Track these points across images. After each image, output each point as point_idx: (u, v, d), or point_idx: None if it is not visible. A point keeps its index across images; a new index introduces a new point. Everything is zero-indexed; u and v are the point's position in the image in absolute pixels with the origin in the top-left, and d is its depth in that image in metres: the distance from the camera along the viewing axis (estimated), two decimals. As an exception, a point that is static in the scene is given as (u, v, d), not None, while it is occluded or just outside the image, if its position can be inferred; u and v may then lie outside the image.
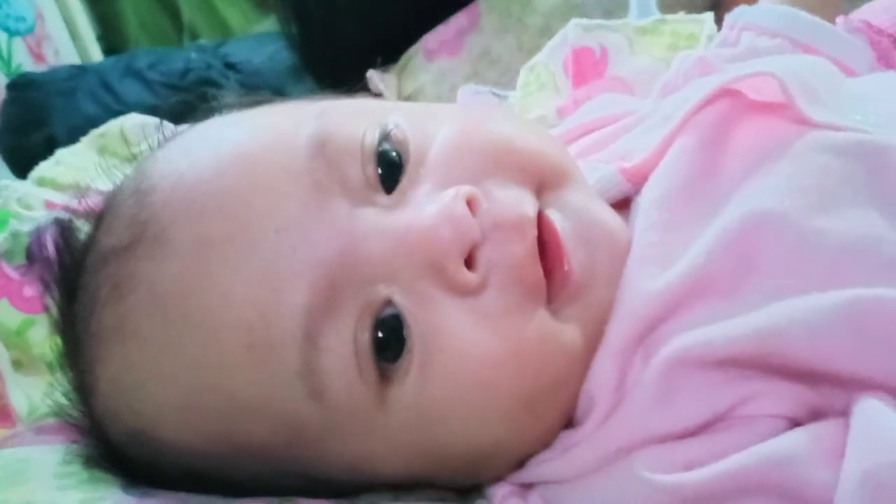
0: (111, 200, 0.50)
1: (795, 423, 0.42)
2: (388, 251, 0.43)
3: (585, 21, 0.78)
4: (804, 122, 0.47)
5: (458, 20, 1.20)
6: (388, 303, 0.43)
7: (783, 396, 0.42)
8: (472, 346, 0.42)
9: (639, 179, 0.50)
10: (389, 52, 1.20)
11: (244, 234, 0.42)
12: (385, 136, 0.47)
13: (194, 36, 2.30)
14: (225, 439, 0.45)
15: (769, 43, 0.62)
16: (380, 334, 0.43)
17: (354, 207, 0.44)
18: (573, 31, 0.77)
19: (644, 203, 0.47)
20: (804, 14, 0.66)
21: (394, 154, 0.46)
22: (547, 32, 0.99)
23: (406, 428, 0.44)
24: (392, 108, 0.50)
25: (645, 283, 0.44)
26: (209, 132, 0.50)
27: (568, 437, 0.45)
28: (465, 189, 0.43)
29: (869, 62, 0.65)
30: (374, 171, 0.45)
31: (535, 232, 0.44)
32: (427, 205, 0.44)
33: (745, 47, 0.63)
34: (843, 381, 0.41)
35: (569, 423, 0.46)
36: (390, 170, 0.46)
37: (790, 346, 0.40)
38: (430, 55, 1.18)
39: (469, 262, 0.43)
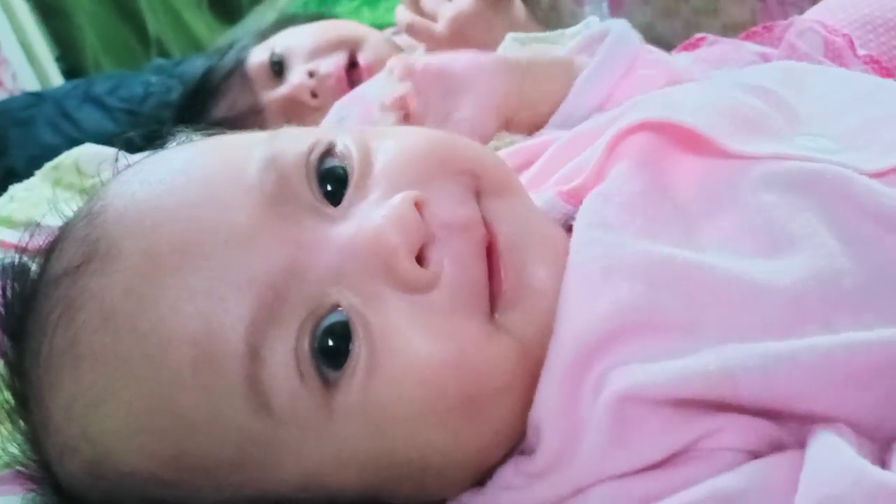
0: (64, 229, 0.50)
1: (757, 456, 0.42)
2: (336, 258, 0.43)
3: (522, 35, 0.79)
4: (741, 155, 0.47)
5: None
6: (336, 308, 0.43)
7: (744, 430, 0.42)
8: (418, 345, 0.42)
9: (577, 202, 0.50)
10: None
11: (193, 245, 0.42)
12: (330, 153, 0.47)
13: (161, 50, 2.27)
14: (179, 463, 0.44)
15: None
16: (330, 342, 0.42)
17: (304, 219, 0.44)
18: (510, 46, 0.78)
19: (582, 221, 0.47)
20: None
21: (340, 170, 0.47)
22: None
23: (354, 436, 0.43)
24: (339, 131, 0.51)
25: (586, 304, 0.44)
26: (163, 156, 0.50)
27: (524, 463, 0.45)
28: (412, 193, 0.44)
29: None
30: (318, 188, 0.46)
31: (482, 231, 0.45)
32: (374, 210, 0.44)
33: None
34: (801, 417, 0.41)
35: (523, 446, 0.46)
36: (338, 185, 0.46)
37: (744, 389, 0.40)
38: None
39: (421, 261, 0.43)
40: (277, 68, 1.34)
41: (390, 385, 0.42)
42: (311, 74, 1.30)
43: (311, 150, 0.47)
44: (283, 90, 1.33)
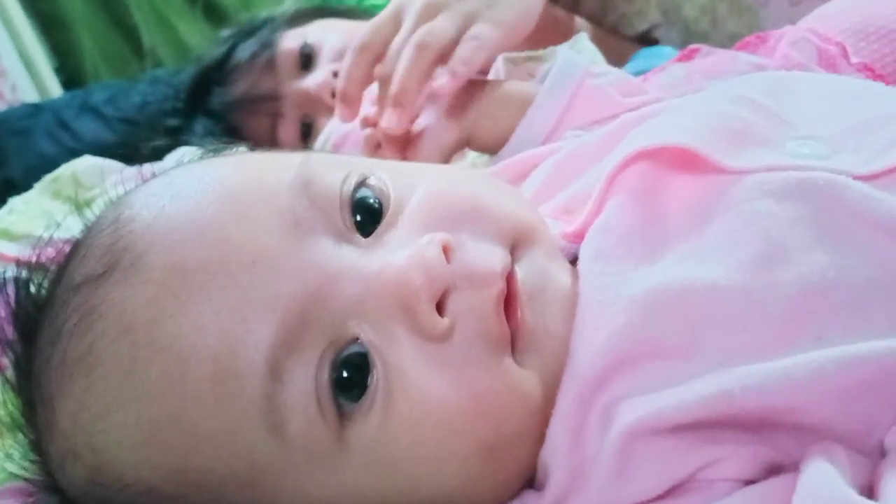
0: (85, 234, 0.50)
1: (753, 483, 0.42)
2: (360, 291, 0.43)
3: (513, 54, 0.79)
4: (736, 171, 0.48)
5: None
6: (356, 340, 0.43)
7: (744, 460, 0.42)
8: (434, 392, 0.42)
9: (580, 238, 0.51)
10: None
11: (221, 263, 0.43)
12: (364, 184, 0.48)
13: (155, 60, 2.28)
14: (183, 477, 0.44)
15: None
16: (344, 373, 0.43)
17: (332, 246, 0.45)
18: (503, 66, 0.78)
19: (585, 262, 0.48)
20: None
21: (372, 201, 0.47)
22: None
23: (365, 472, 0.43)
24: (374, 162, 0.52)
25: (587, 342, 0.44)
26: (193, 170, 0.50)
27: (532, 499, 0.46)
28: (441, 236, 0.44)
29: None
30: (350, 217, 0.46)
31: (501, 286, 0.45)
32: (402, 248, 0.44)
33: None
34: (796, 430, 0.41)
35: (532, 482, 0.47)
36: (369, 216, 0.47)
37: (741, 408, 0.41)
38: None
39: (439, 308, 0.43)
40: (306, 60, 1.34)
41: (405, 427, 0.42)
42: (335, 75, 1.28)
43: (344, 179, 0.47)
44: (306, 84, 1.32)
